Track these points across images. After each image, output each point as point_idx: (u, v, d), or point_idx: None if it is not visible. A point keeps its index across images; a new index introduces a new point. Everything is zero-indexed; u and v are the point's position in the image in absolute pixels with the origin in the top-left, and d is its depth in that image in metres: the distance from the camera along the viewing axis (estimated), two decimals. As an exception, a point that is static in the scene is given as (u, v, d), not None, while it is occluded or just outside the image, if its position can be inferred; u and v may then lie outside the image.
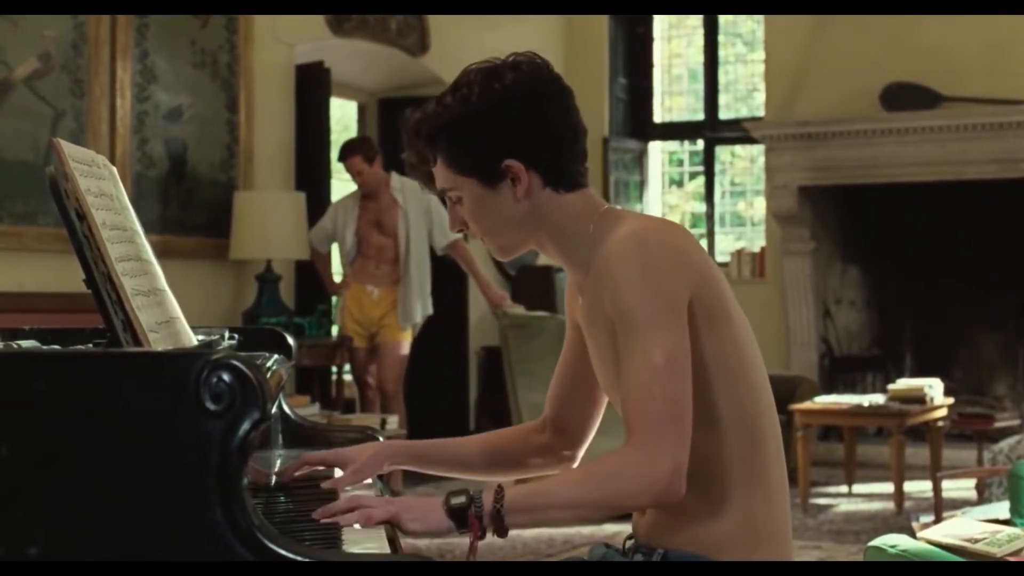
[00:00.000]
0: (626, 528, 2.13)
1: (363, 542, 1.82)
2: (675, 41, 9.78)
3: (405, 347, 6.63)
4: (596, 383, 2.11)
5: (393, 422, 6.06)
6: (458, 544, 5.44)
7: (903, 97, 7.90)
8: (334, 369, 6.74)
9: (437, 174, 1.98)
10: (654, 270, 1.84)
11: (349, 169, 6.58)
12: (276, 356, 2.22)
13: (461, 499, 1.77)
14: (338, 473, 2.16)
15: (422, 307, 6.64)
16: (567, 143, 1.98)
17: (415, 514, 1.78)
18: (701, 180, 9.56)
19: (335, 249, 6.82)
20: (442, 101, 1.95)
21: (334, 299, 6.91)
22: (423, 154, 1.99)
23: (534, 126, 1.94)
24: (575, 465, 2.21)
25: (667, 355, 1.80)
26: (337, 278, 6.87)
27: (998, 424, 7.13)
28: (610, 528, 5.64)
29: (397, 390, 6.60)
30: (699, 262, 1.90)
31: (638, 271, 1.84)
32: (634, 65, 9.58)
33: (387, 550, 1.77)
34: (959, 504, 5.21)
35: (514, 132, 1.93)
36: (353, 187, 6.82)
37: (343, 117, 8.44)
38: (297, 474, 2.15)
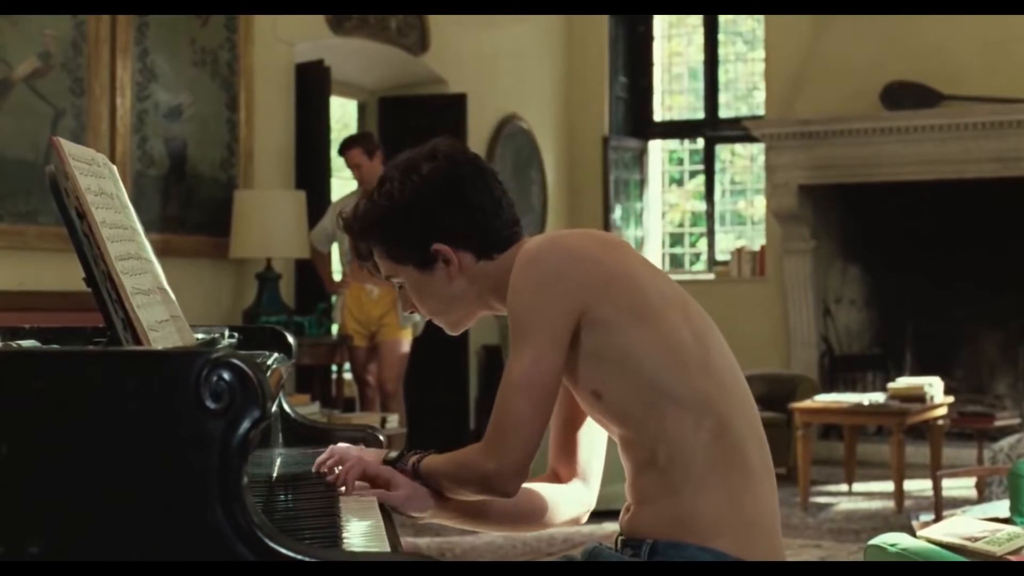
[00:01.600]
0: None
1: (363, 542, 1.82)
2: (675, 40, 9.78)
3: (405, 346, 6.64)
4: (592, 424, 2.19)
5: (393, 421, 6.06)
6: (458, 543, 5.44)
7: (903, 96, 7.90)
8: (334, 368, 6.74)
9: (379, 264, 2.14)
10: (532, 289, 1.97)
11: (349, 162, 6.57)
12: (276, 355, 2.22)
13: (393, 455, 2.12)
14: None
15: None
16: (489, 217, 2.09)
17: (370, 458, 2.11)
18: (701, 179, 9.56)
19: (335, 248, 6.82)
20: (371, 198, 2.11)
21: (334, 298, 6.91)
22: (361, 250, 2.15)
23: (455, 210, 2.08)
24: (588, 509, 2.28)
25: (522, 371, 1.94)
26: (337, 277, 6.86)
27: (998, 423, 7.13)
28: (610, 527, 5.63)
29: (397, 389, 6.60)
30: (603, 267, 1.99)
31: (520, 284, 1.99)
32: (634, 64, 9.58)
33: (386, 548, 1.77)
34: (959, 503, 5.21)
35: (437, 219, 2.07)
36: (354, 185, 6.82)
37: (343, 116, 8.43)
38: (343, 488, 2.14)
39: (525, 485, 2.25)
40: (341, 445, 2.22)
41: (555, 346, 1.95)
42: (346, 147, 6.59)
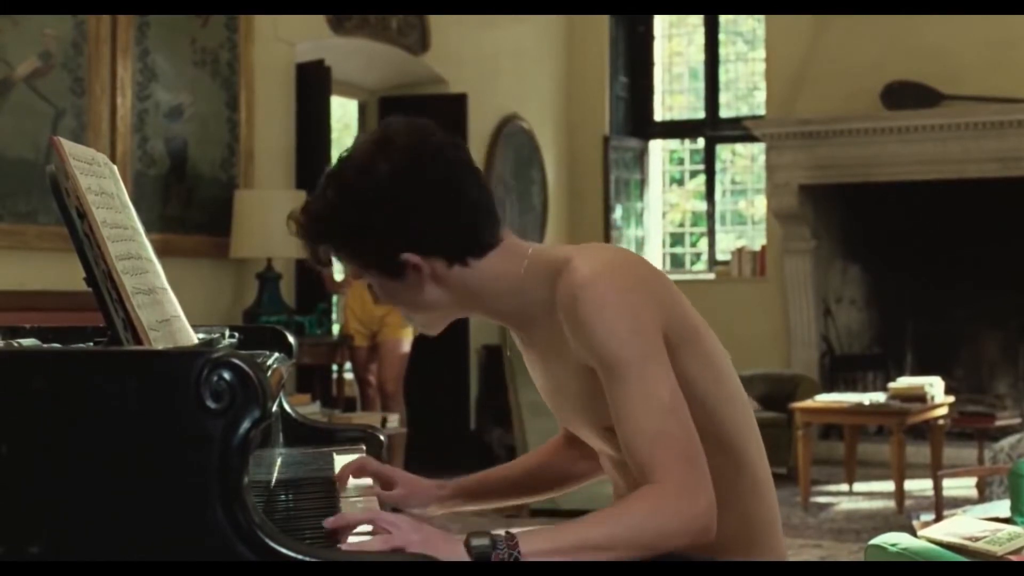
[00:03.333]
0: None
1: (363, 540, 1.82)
2: (676, 39, 9.78)
3: (406, 345, 6.63)
4: None
5: (394, 420, 6.06)
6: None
7: (904, 96, 7.90)
8: (335, 368, 6.74)
9: (344, 262, 1.91)
10: (627, 308, 1.78)
11: None
12: (277, 354, 2.22)
13: (484, 542, 1.66)
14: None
15: None
16: (462, 220, 1.83)
17: (434, 542, 1.65)
18: (702, 178, 9.56)
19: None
20: (325, 196, 1.84)
21: (335, 298, 6.91)
22: (320, 256, 1.90)
23: (419, 216, 1.81)
24: None
25: (668, 391, 1.75)
26: (338, 276, 6.86)
27: (999, 423, 7.13)
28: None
29: (397, 388, 6.60)
30: (662, 288, 1.86)
31: (612, 312, 1.77)
32: (635, 63, 9.58)
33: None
34: (960, 503, 5.20)
35: (400, 227, 1.81)
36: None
37: (344, 116, 8.43)
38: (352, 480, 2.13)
39: (536, 452, 2.24)
40: (377, 509, 1.86)
41: (666, 360, 1.78)
42: None
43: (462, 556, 1.65)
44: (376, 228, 1.81)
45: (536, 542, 1.66)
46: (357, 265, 1.87)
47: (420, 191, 1.81)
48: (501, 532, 1.68)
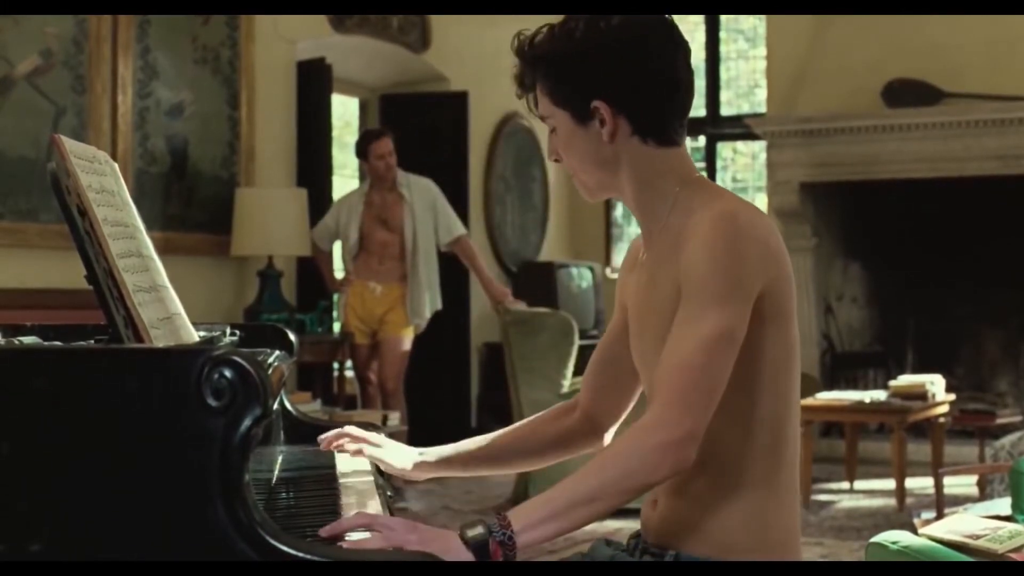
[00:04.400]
0: (628, 525, 2.12)
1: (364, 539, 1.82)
2: (677, 37, 9.78)
3: (407, 343, 6.63)
4: (633, 370, 2.08)
5: (395, 418, 6.06)
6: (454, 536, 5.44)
7: (905, 93, 7.89)
8: (336, 365, 6.74)
9: (539, 99, 2.00)
10: (737, 253, 1.82)
11: (380, 149, 6.51)
12: (277, 352, 2.22)
13: (479, 531, 1.68)
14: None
15: (431, 302, 6.63)
16: (662, 94, 1.94)
17: (429, 539, 1.66)
18: (703, 176, 9.56)
19: (337, 246, 6.81)
20: (552, 30, 1.97)
21: (335, 296, 6.91)
22: (524, 79, 2.01)
23: (629, 71, 1.92)
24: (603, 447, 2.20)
25: (720, 331, 1.78)
26: (339, 275, 6.86)
27: (1000, 420, 7.13)
28: (612, 524, 5.63)
29: (398, 386, 6.60)
30: (780, 257, 1.90)
31: (722, 249, 1.82)
32: (636, 61, 9.57)
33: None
34: (961, 500, 5.20)
35: (607, 74, 1.91)
36: (354, 184, 6.81)
37: (344, 114, 8.43)
38: (335, 445, 2.23)
39: (528, 421, 2.24)
40: (371, 512, 1.84)
41: (746, 316, 1.83)
42: (377, 136, 6.58)
43: (460, 549, 1.65)
44: (585, 67, 1.91)
45: (528, 514, 1.70)
46: (553, 100, 1.96)
47: (639, 50, 1.92)
48: (493, 518, 1.69)
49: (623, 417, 2.21)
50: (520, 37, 2.01)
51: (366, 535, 1.66)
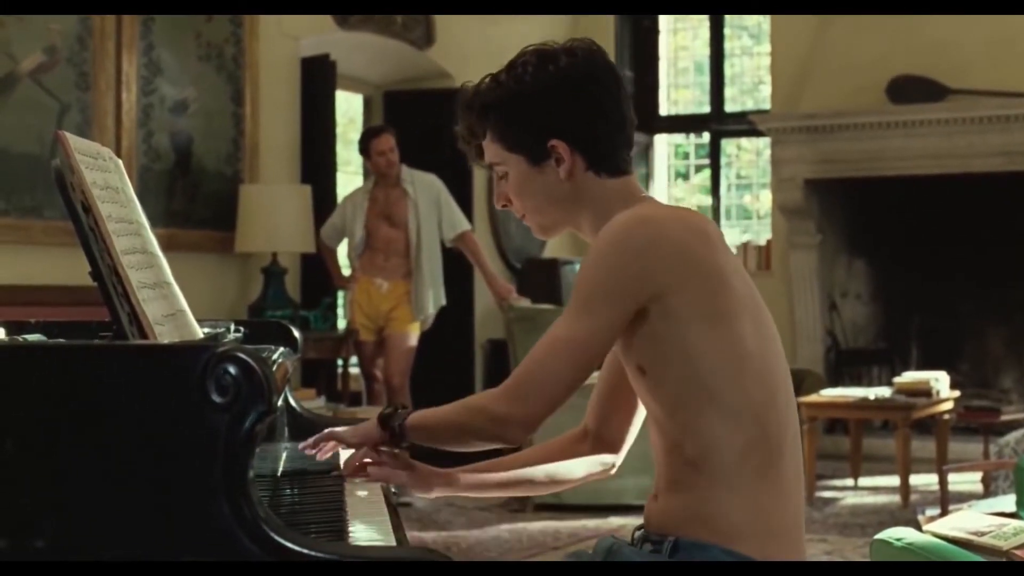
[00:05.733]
0: (631, 521, 2.13)
1: (369, 536, 1.82)
2: (681, 34, 9.77)
3: (413, 339, 6.63)
4: (634, 392, 2.11)
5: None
6: (464, 537, 5.44)
7: (909, 90, 7.88)
8: (340, 362, 6.74)
9: (486, 148, 2.06)
10: (614, 256, 1.90)
11: (381, 146, 6.52)
12: (282, 349, 2.22)
13: (389, 409, 2.05)
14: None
15: (435, 298, 6.63)
16: (613, 129, 2.03)
17: (356, 430, 2.06)
18: (707, 173, 9.55)
19: (342, 246, 6.81)
20: (497, 78, 2.05)
21: (339, 292, 6.90)
22: (474, 128, 2.07)
23: (582, 110, 2.00)
24: (613, 472, 2.25)
25: (567, 336, 1.91)
26: (346, 271, 6.86)
27: (1004, 417, 7.11)
28: (616, 521, 5.64)
29: (404, 383, 6.60)
30: (690, 258, 1.91)
31: (601, 252, 1.91)
32: (640, 58, 9.56)
33: (392, 542, 1.77)
34: (965, 497, 5.20)
35: (562, 114, 2.00)
36: (358, 181, 6.81)
37: (348, 110, 8.43)
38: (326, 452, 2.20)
39: (540, 446, 2.26)
40: (336, 429, 2.13)
41: (615, 326, 1.91)
42: (378, 133, 6.60)
43: (372, 427, 2.04)
44: (539, 109, 2.00)
45: (421, 420, 2.05)
46: (506, 146, 2.03)
47: (589, 88, 2.01)
48: (404, 410, 2.05)
49: (631, 440, 2.24)
50: (464, 88, 2.10)
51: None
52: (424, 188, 6.58)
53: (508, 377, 1.97)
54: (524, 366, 1.93)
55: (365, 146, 6.62)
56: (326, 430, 2.11)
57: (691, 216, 2.01)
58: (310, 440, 2.10)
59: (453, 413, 2.01)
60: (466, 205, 7.27)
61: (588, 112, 2.00)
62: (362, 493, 2.11)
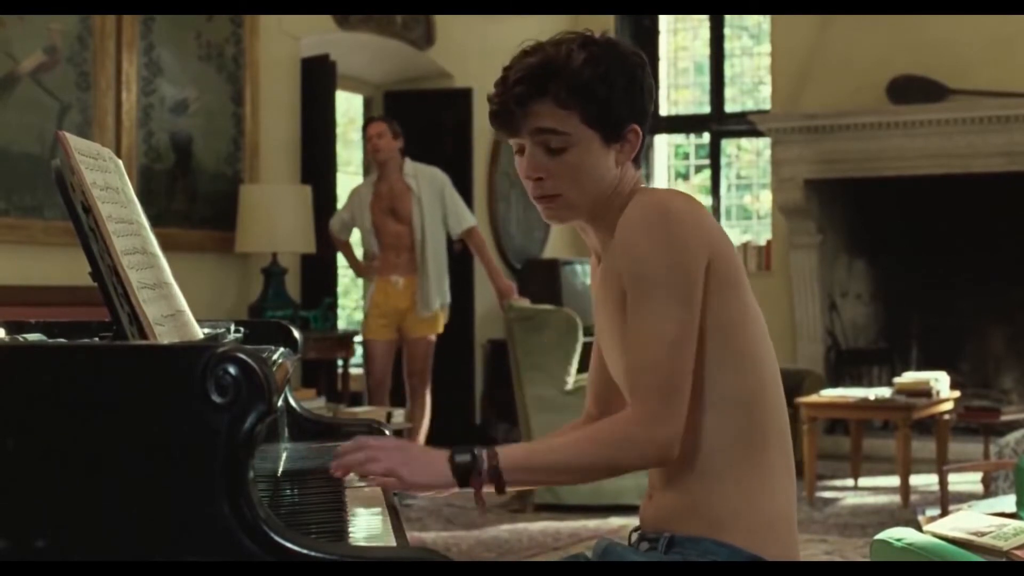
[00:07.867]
0: (631, 522, 2.13)
1: (369, 537, 1.82)
2: (681, 34, 9.77)
3: (432, 336, 6.65)
4: None
5: (399, 415, 6.06)
6: (464, 538, 5.44)
7: (910, 90, 7.88)
8: (340, 362, 6.74)
9: (541, 112, 1.95)
10: (674, 240, 1.88)
11: (370, 131, 6.54)
12: (282, 349, 2.22)
13: (467, 457, 1.83)
14: None
15: (440, 294, 6.62)
16: (648, 120, 2.05)
17: (417, 467, 1.84)
18: (707, 173, 9.55)
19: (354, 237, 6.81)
20: (588, 52, 1.94)
21: (339, 290, 6.89)
22: (528, 93, 1.95)
23: (649, 99, 2.02)
24: None
25: (679, 329, 1.87)
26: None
27: (1005, 417, 7.11)
28: (616, 521, 5.64)
29: (426, 380, 6.61)
30: (715, 230, 1.95)
31: (660, 240, 1.88)
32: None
33: (392, 542, 1.77)
34: (965, 497, 5.20)
35: (646, 102, 2.01)
36: (358, 179, 6.81)
37: (349, 110, 8.44)
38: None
39: (550, 436, 2.24)
40: (366, 437, 1.95)
41: (697, 306, 1.90)
42: (371, 120, 6.66)
43: (443, 473, 1.82)
44: (636, 91, 1.98)
45: (514, 456, 1.84)
46: (585, 116, 1.94)
47: (648, 77, 2.02)
48: (483, 448, 1.83)
49: None
50: (561, 49, 1.96)
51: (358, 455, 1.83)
52: (427, 181, 6.56)
53: (634, 399, 1.88)
54: (654, 380, 1.86)
55: (363, 135, 6.68)
56: (360, 438, 1.89)
57: (690, 195, 2.04)
58: (347, 461, 1.86)
59: (579, 451, 1.87)
60: (466, 205, 7.27)
61: (650, 102, 2.03)
62: (362, 492, 2.11)
